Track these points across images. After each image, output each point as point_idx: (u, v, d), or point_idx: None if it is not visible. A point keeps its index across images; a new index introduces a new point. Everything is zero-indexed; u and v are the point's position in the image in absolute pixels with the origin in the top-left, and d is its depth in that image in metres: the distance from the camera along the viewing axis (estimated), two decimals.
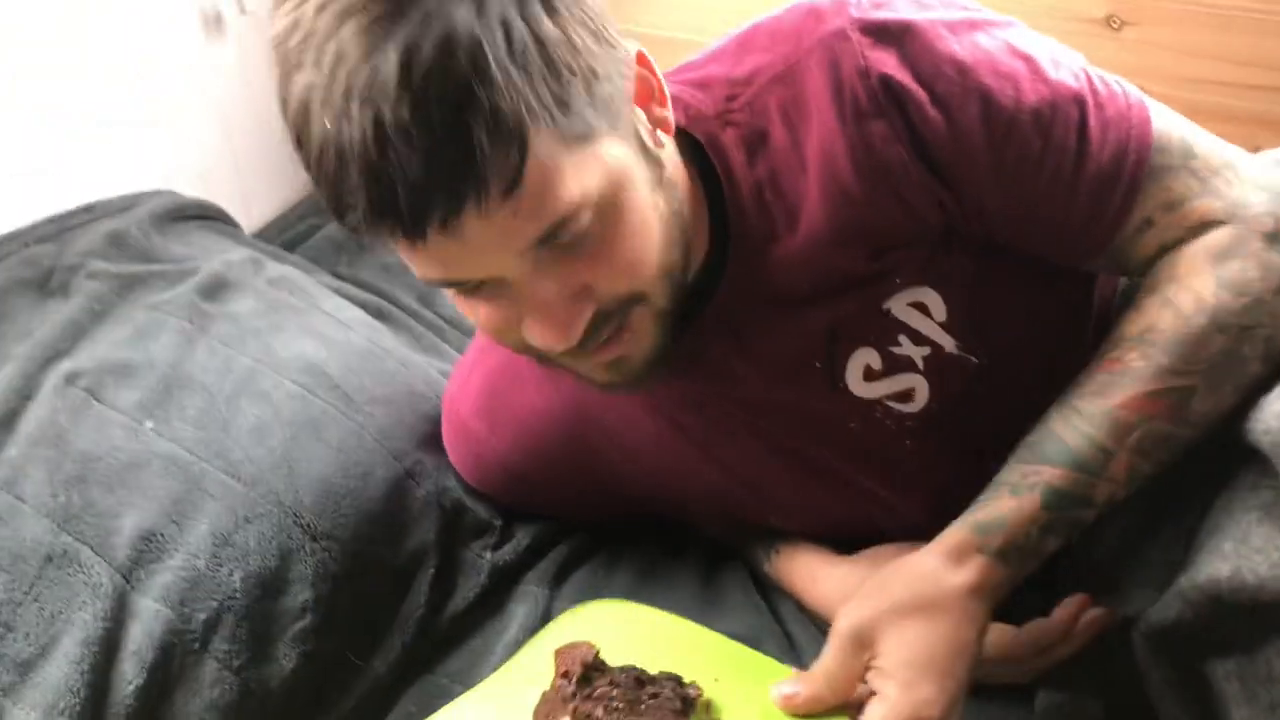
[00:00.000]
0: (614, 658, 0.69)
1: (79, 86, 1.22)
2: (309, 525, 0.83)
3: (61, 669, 0.72)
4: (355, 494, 0.87)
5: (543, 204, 0.60)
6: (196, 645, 0.76)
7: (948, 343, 0.77)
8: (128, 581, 0.77)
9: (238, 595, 0.78)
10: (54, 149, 1.19)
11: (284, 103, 0.61)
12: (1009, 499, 0.68)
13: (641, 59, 0.68)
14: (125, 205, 1.17)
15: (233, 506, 0.82)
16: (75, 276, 1.03)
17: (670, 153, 0.72)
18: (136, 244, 1.10)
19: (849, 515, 0.84)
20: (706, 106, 0.75)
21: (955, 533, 0.69)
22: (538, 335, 0.66)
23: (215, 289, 1.02)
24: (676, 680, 0.67)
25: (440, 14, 0.56)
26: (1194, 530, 0.69)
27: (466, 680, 0.85)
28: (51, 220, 1.12)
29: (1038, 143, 0.70)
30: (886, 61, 0.70)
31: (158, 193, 1.22)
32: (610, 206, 0.64)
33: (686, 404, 0.83)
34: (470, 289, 0.67)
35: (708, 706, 0.67)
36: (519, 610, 0.90)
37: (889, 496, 0.83)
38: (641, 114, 0.69)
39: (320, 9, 0.58)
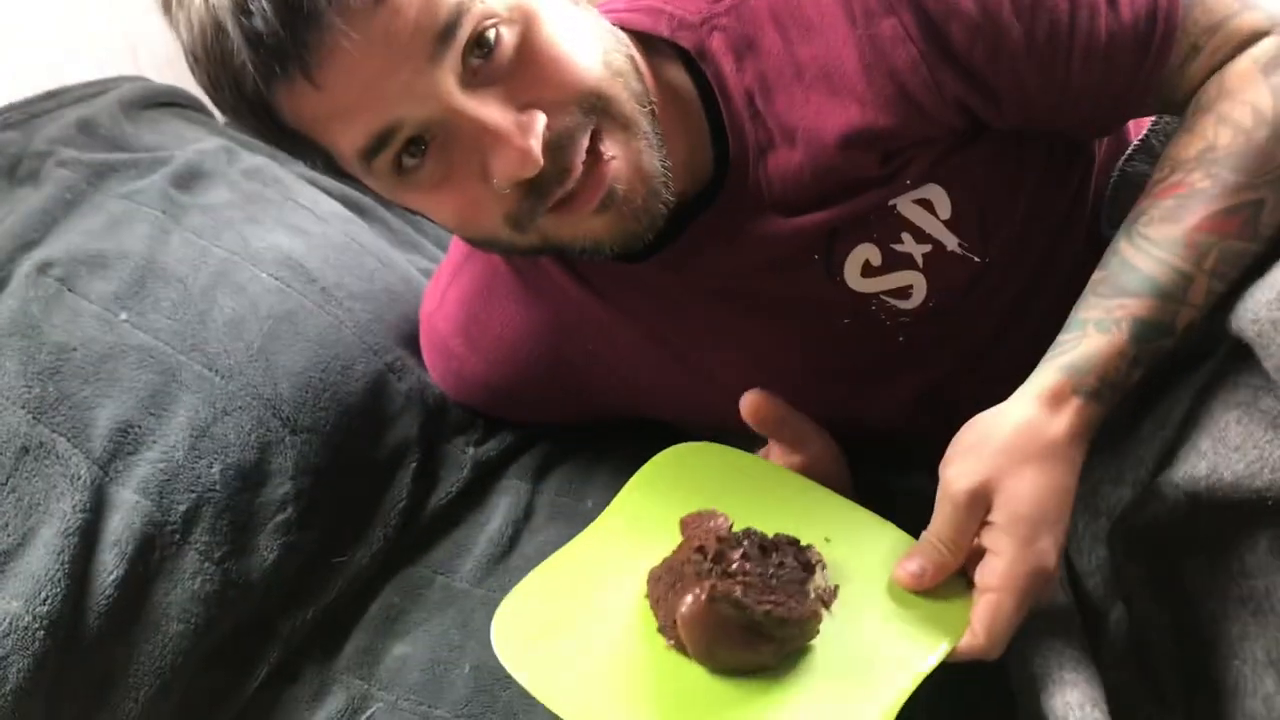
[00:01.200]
0: (721, 507, 0.68)
1: None
2: (288, 418, 0.83)
3: (41, 560, 0.72)
4: (335, 387, 0.86)
5: (426, 4, 0.60)
6: (177, 537, 0.76)
7: (950, 240, 0.76)
8: (105, 473, 0.76)
9: (217, 487, 0.78)
10: (16, 31, 1.16)
11: (183, 43, 0.63)
12: (1097, 336, 0.66)
13: None
14: (94, 91, 1.13)
15: (210, 399, 0.81)
16: (45, 164, 1.00)
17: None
18: (107, 131, 1.07)
19: (833, 415, 0.84)
20: (691, 12, 0.72)
21: (1047, 376, 0.66)
22: (498, 168, 0.64)
23: (189, 179, 1.00)
24: (795, 544, 0.66)
25: None
26: (1173, 428, 0.69)
27: (450, 570, 0.86)
28: (17, 106, 1.08)
29: (1065, 5, 0.69)
30: None
31: (128, 79, 1.19)
32: (524, 19, 0.64)
33: (669, 314, 0.82)
34: (415, 156, 0.65)
35: (824, 570, 0.66)
36: (501, 502, 0.91)
37: (875, 393, 0.83)
38: None
39: None
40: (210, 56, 0.61)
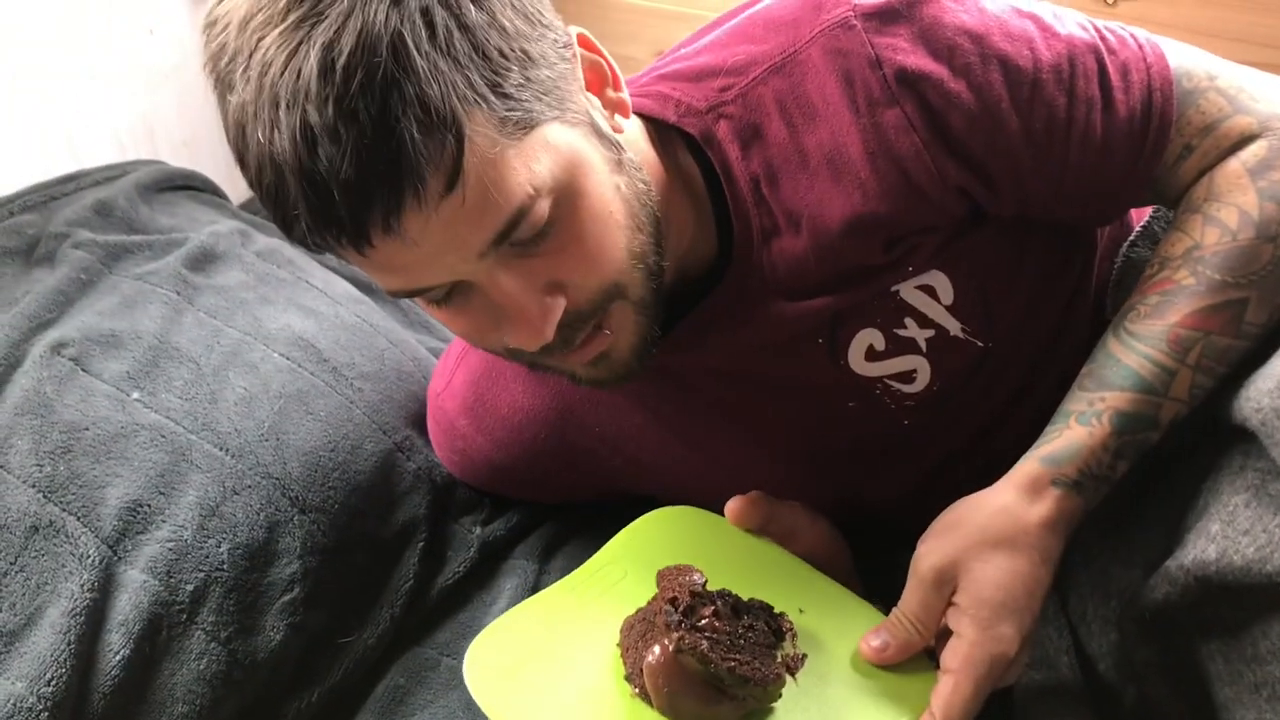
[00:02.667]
0: (704, 568, 0.68)
1: (64, 51, 1.20)
2: (297, 497, 0.83)
3: (47, 640, 0.71)
4: (344, 467, 0.87)
5: (490, 200, 0.59)
6: (184, 617, 0.76)
7: (953, 326, 0.77)
8: (114, 552, 0.76)
9: (225, 567, 0.78)
10: (35, 114, 1.18)
11: (226, 128, 0.61)
12: (1078, 428, 0.68)
13: (584, 41, 0.67)
14: (112, 174, 1.16)
15: (220, 478, 0.81)
16: (61, 246, 1.02)
17: (634, 136, 0.72)
18: (123, 214, 1.09)
19: (834, 497, 0.84)
20: (698, 100, 0.74)
21: (1027, 467, 0.68)
22: (511, 336, 0.66)
23: (203, 260, 1.02)
24: (768, 610, 0.67)
25: (358, 10, 0.55)
26: (1181, 512, 0.69)
27: (455, 652, 0.85)
28: (37, 189, 1.11)
29: (1063, 100, 0.70)
30: (897, 46, 0.70)
31: (145, 162, 1.21)
32: (568, 195, 0.63)
33: (672, 396, 0.83)
34: (439, 298, 0.66)
35: (794, 638, 0.67)
36: (507, 584, 0.90)
37: (880, 474, 0.83)
38: (595, 100, 0.68)
39: (243, 26, 0.58)
40: (268, 199, 0.60)
